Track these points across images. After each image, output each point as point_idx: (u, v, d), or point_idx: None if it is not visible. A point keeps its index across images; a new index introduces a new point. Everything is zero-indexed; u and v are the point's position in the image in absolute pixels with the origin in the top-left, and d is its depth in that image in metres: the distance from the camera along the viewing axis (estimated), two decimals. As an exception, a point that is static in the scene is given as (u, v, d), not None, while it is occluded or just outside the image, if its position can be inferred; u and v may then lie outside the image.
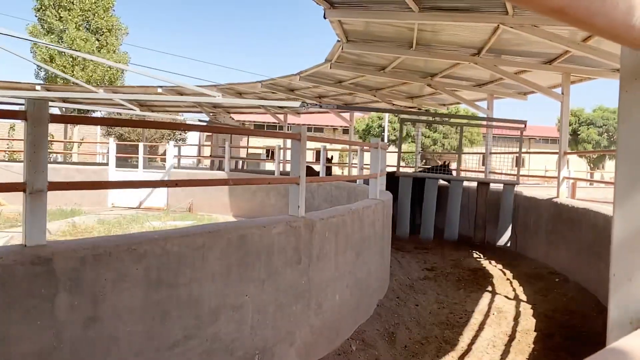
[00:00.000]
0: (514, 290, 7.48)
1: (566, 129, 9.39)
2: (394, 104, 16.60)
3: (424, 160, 35.45)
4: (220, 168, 18.30)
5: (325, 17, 7.48)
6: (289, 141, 18.30)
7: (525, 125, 9.77)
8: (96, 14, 26.46)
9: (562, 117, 9.40)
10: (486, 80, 11.88)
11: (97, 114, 28.73)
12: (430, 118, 15.97)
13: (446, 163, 11.62)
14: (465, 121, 14.83)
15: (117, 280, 2.98)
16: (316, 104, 13.92)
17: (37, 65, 26.34)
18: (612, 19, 0.65)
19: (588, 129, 37.02)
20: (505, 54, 9.34)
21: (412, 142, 34.32)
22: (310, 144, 22.00)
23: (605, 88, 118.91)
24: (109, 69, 25.84)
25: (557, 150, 9.33)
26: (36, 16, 26.36)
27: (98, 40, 26.68)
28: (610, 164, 36.95)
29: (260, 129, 28.27)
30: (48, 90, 18.65)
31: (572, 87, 9.47)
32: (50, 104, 17.56)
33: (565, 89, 9.29)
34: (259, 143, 29.71)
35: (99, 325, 2.87)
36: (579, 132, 36.86)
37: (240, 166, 20.12)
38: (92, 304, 2.86)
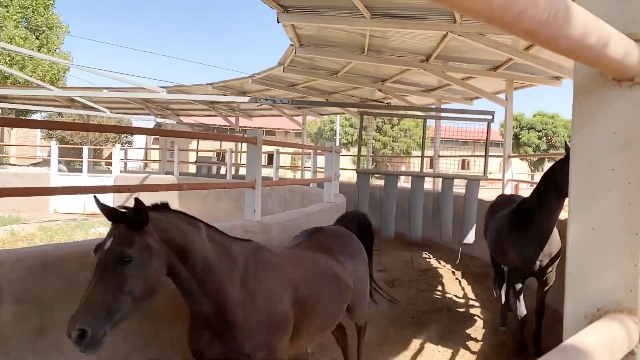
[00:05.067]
0: (463, 289, 7.74)
1: (510, 133, 9.83)
2: (345, 108, 16.80)
3: (375, 164, 35.98)
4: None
5: (278, 21, 7.48)
6: (240, 144, 18.13)
7: (493, 117, 8.69)
8: (36, 11, 25.27)
9: (506, 121, 9.82)
10: (434, 86, 12.24)
11: (37, 116, 27.40)
12: (391, 112, 13.91)
13: None
14: (426, 114, 12.67)
15: (66, 290, 2.86)
16: (269, 99, 13.07)
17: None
18: (575, 41, 0.72)
19: (529, 132, 38.85)
20: (452, 60, 9.66)
21: (363, 145, 34.79)
22: (263, 148, 21.75)
23: (544, 94, 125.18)
24: (50, 68, 24.70)
25: (501, 154, 9.73)
26: (-31, 12, 24.88)
27: (38, 38, 25.48)
28: (549, 166, 38.85)
29: (212, 132, 27.83)
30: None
31: (514, 93, 9.91)
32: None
33: (509, 95, 9.72)
34: (209, 146, 29.25)
35: (48, 338, 2.76)
36: (520, 136, 38.57)
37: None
38: (40, 315, 2.74)
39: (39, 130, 29.29)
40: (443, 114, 10.91)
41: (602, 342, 0.89)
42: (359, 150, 9.68)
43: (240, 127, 21.92)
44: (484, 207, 8.25)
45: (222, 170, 18.73)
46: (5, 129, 24.74)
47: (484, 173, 8.87)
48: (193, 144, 29.15)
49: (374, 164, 36.33)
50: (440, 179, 9.61)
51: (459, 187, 9.43)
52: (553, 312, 5.43)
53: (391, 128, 36.74)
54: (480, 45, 7.61)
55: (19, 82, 22.50)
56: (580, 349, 0.84)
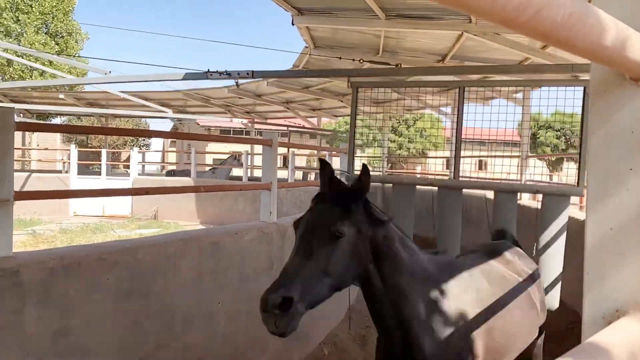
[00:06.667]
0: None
1: (527, 133, 9.72)
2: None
3: (390, 165, 35.76)
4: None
5: (293, 24, 7.51)
6: (255, 146, 18.23)
7: None
8: (55, 17, 25.72)
9: (523, 121, 9.72)
10: (450, 86, 12.13)
11: (57, 120, 27.88)
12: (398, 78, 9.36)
13: None
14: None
15: (87, 291, 2.91)
16: (223, 73, 9.43)
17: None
18: (590, 41, 0.72)
19: (546, 132, 38.35)
20: (468, 60, 9.59)
21: (378, 146, 34.58)
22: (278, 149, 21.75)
23: (562, 93, 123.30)
24: (69, 73, 25.10)
25: (519, 154, 9.63)
26: (-8, 19, 25.38)
27: (57, 44, 25.93)
28: (567, 166, 38.29)
29: (227, 135, 28.05)
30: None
31: (532, 92, 9.80)
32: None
33: (526, 94, 9.61)
34: (224, 149, 29.43)
35: (69, 338, 2.80)
36: (538, 136, 38.10)
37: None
38: (62, 315, 2.79)
39: (58, 134, 29.82)
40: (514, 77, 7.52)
41: (621, 342, 0.88)
42: (351, 147, 6.15)
43: (255, 128, 22.05)
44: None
45: (235, 172, 18.85)
46: (27, 133, 25.21)
47: (577, 184, 5.14)
48: (209, 147, 29.39)
49: (390, 165, 36.03)
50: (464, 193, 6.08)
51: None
52: (572, 312, 5.36)
53: (407, 129, 36.57)
54: (497, 44, 7.55)
55: (39, 89, 22.90)
56: (600, 350, 0.84)
